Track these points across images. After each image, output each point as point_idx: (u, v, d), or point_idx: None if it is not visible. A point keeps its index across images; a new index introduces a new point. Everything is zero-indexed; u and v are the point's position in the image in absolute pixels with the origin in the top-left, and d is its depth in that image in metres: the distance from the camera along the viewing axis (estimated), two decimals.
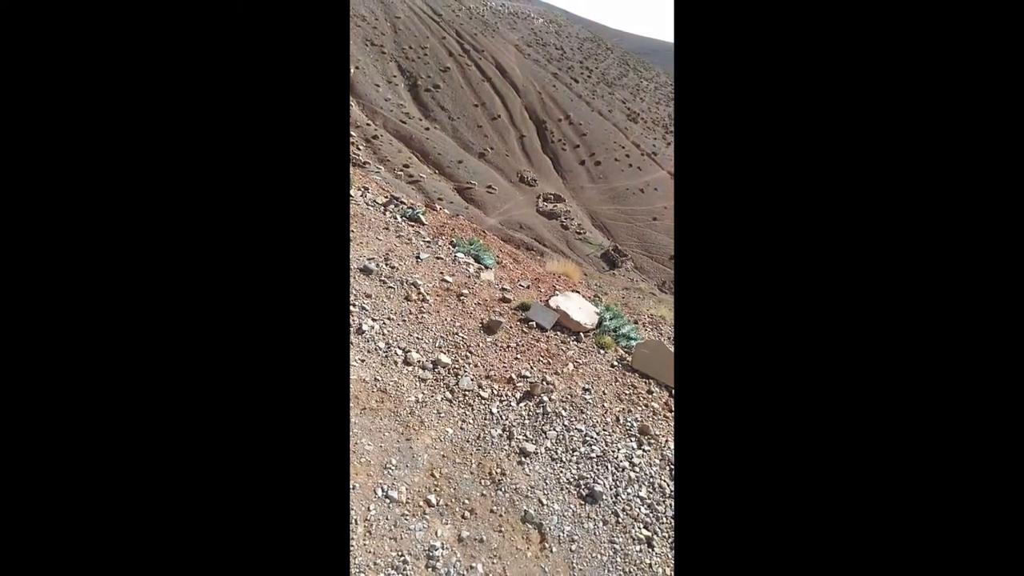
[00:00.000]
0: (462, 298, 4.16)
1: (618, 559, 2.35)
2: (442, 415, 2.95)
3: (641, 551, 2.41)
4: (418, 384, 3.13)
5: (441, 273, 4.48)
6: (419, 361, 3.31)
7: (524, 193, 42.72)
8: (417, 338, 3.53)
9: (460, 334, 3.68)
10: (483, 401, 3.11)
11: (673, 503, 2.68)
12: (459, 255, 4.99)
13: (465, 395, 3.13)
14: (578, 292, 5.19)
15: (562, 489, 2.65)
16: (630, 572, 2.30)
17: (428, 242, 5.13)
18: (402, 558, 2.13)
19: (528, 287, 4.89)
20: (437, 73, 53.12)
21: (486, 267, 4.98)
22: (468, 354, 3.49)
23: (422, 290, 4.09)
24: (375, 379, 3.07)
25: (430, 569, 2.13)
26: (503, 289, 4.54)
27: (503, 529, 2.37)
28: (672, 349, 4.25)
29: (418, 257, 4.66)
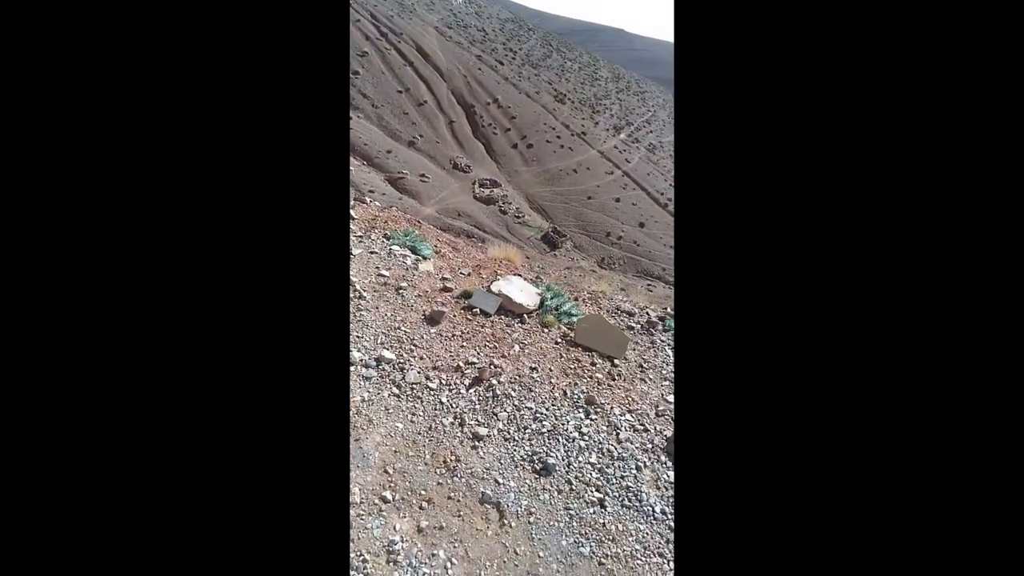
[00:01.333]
0: (401, 291, 4.07)
1: (574, 523, 2.47)
2: (390, 411, 2.91)
3: (595, 512, 2.56)
4: (362, 383, 3.05)
5: (377, 267, 4.35)
6: (361, 360, 3.22)
7: (459, 180, 42.13)
8: (357, 336, 3.42)
9: (402, 328, 3.62)
10: (432, 392, 3.10)
11: (621, 464, 2.86)
12: (394, 248, 4.87)
13: (412, 388, 3.10)
14: (520, 275, 5.26)
15: (516, 466, 2.73)
16: (585, 533, 2.44)
17: (360, 237, 4.95)
18: (361, 557, 2.11)
19: (469, 274, 4.89)
20: (355, 58, 50.37)
21: (424, 258, 4.89)
22: (412, 347, 3.44)
23: (358, 287, 3.95)
24: None
25: (391, 564, 2.12)
26: (443, 278, 4.50)
27: (462, 513, 2.40)
28: (611, 321, 4.46)
29: (350, 253, 4.48)
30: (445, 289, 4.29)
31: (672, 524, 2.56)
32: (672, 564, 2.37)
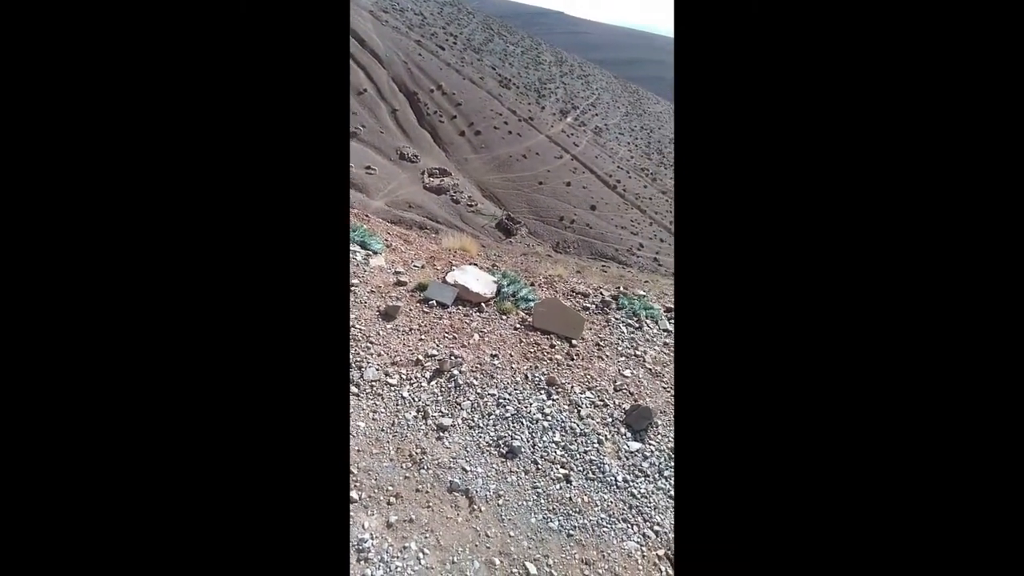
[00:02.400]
0: (353, 288, 3.96)
1: (541, 500, 2.56)
2: (351, 411, 2.85)
3: (561, 488, 2.65)
4: None
5: None
6: None
7: (407, 171, 41.07)
8: None
9: (357, 326, 3.53)
10: (392, 388, 3.07)
11: (583, 440, 2.97)
12: None
13: (372, 386, 3.05)
14: (475, 265, 5.25)
15: (483, 452, 2.77)
16: (553, 508, 2.53)
17: None
18: None
19: (423, 267, 4.82)
20: None
21: (375, 252, 4.77)
22: (369, 344, 3.38)
23: None
24: None
25: (362, 561, 2.11)
26: (396, 272, 4.42)
27: (431, 504, 2.42)
28: (567, 303, 4.57)
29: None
30: (399, 283, 4.22)
31: (634, 491, 2.70)
32: (636, 528, 2.51)
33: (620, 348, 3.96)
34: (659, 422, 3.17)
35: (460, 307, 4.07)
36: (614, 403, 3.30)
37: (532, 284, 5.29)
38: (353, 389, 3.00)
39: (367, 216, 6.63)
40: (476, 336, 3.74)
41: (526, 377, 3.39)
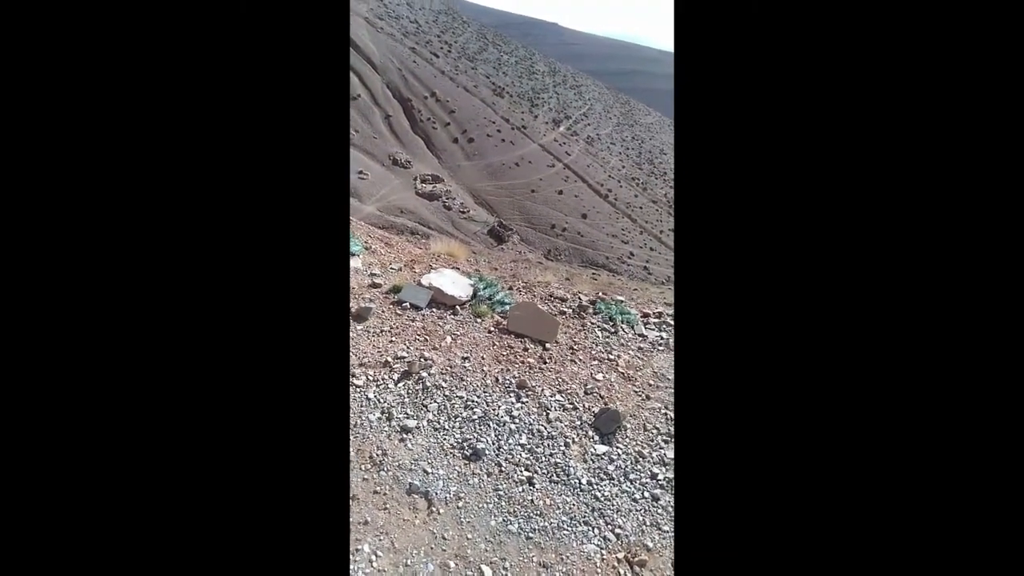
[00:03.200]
0: None
1: (503, 503, 2.53)
2: None
3: (523, 490, 2.63)
4: None
5: None
6: None
7: (400, 176, 41.12)
8: None
9: None
10: (358, 389, 3.03)
11: (550, 443, 2.96)
12: None
13: None
14: (457, 268, 5.24)
15: (446, 455, 2.74)
16: (514, 511, 2.50)
17: None
18: None
19: (400, 269, 4.80)
20: None
21: (352, 254, 4.75)
22: None
23: None
24: None
25: None
26: (372, 275, 4.40)
27: (388, 506, 2.38)
28: (544, 308, 4.57)
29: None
30: (373, 285, 4.19)
31: (597, 494, 2.69)
32: (596, 531, 2.49)
33: (594, 352, 3.96)
34: (628, 425, 3.16)
35: (434, 310, 4.05)
36: (584, 406, 3.29)
37: (511, 288, 5.29)
38: None
39: (350, 218, 6.61)
40: (448, 339, 3.72)
41: (496, 380, 3.37)
